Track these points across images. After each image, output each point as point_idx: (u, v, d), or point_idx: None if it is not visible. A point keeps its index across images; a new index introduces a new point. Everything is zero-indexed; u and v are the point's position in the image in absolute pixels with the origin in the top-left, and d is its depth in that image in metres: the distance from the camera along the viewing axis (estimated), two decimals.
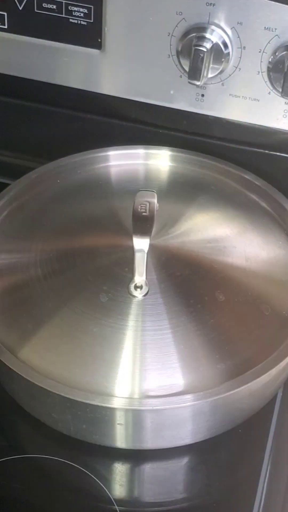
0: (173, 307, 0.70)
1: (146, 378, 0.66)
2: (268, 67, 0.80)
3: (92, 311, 0.70)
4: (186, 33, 0.80)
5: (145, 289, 0.70)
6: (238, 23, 0.79)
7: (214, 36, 0.79)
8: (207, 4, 0.79)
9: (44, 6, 0.84)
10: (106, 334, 0.68)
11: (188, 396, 0.65)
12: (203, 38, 0.79)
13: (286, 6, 0.77)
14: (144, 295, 0.70)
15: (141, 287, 0.70)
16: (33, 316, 0.70)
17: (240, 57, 0.81)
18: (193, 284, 0.72)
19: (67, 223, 0.78)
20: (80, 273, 0.73)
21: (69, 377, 0.66)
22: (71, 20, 0.84)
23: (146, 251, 0.69)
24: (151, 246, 0.70)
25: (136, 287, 0.70)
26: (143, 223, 0.71)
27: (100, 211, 0.79)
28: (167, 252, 0.74)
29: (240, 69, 0.82)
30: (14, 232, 0.78)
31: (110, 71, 0.87)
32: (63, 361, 0.67)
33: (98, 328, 0.68)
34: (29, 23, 0.86)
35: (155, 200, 0.73)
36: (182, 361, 0.67)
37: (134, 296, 0.70)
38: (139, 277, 0.70)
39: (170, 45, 0.82)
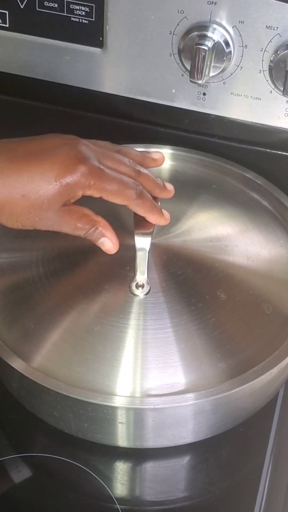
0: (175, 306, 0.70)
1: (147, 376, 0.66)
2: (269, 66, 0.80)
3: (93, 310, 0.70)
4: (187, 32, 0.80)
5: (146, 288, 0.70)
6: (239, 21, 0.79)
7: (215, 34, 0.79)
8: (209, 2, 0.79)
9: (45, 4, 0.84)
10: (107, 333, 0.68)
11: (190, 395, 0.65)
12: (204, 37, 0.79)
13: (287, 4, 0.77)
14: (146, 294, 0.70)
15: (142, 286, 0.70)
16: (35, 315, 0.70)
17: (242, 56, 0.81)
18: (194, 283, 0.72)
19: None
20: (82, 272, 0.73)
21: (70, 375, 0.66)
22: (72, 18, 0.84)
23: (147, 249, 0.69)
24: (153, 245, 0.70)
25: (137, 286, 0.70)
26: (144, 222, 0.71)
27: (102, 210, 0.79)
28: (168, 251, 0.74)
29: (241, 67, 0.82)
30: (16, 231, 0.78)
31: (111, 70, 0.87)
32: (65, 359, 0.67)
33: (99, 327, 0.68)
34: (30, 22, 0.86)
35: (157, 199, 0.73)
36: (183, 360, 0.67)
37: (135, 295, 0.70)
38: (141, 276, 0.70)
39: (172, 43, 0.82)
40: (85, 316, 0.69)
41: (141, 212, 0.70)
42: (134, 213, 0.71)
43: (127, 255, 0.72)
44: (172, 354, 0.67)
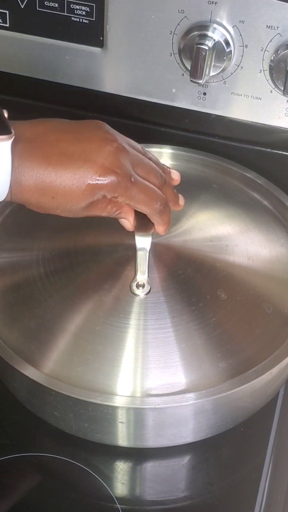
0: (175, 306, 0.70)
1: (148, 376, 0.66)
2: (270, 66, 0.80)
3: (94, 310, 0.70)
4: (188, 31, 0.80)
5: (147, 288, 0.70)
6: (240, 21, 0.79)
7: (216, 34, 0.79)
8: (209, 2, 0.79)
9: (46, 4, 0.84)
10: (108, 333, 0.68)
11: (190, 395, 0.65)
12: (205, 37, 0.79)
13: None
14: (146, 294, 0.70)
15: (143, 286, 0.70)
16: (35, 315, 0.70)
17: (242, 56, 0.81)
18: (194, 283, 0.72)
19: (69, 221, 0.78)
20: (82, 272, 0.73)
21: (70, 375, 0.66)
22: (73, 18, 0.84)
23: (148, 249, 0.70)
24: (153, 244, 0.71)
25: (138, 285, 0.70)
26: (145, 222, 0.71)
27: None
28: (169, 251, 0.74)
29: (242, 67, 0.82)
30: (16, 231, 0.78)
31: (112, 70, 0.87)
32: (65, 359, 0.67)
33: (100, 327, 0.68)
34: (31, 22, 0.86)
35: None
36: (183, 359, 0.67)
37: (136, 295, 0.70)
38: (141, 276, 0.70)
39: (172, 43, 0.82)
40: (86, 316, 0.69)
41: (155, 221, 0.71)
42: (135, 212, 0.71)
43: (127, 254, 0.72)
44: (172, 354, 0.67)
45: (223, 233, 0.77)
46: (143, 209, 0.69)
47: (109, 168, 0.65)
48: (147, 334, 0.68)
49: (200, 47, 0.78)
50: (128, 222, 0.70)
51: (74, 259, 0.74)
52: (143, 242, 0.70)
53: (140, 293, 0.70)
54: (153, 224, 0.71)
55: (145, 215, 0.71)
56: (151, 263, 0.71)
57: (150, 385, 0.66)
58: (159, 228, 0.71)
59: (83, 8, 0.83)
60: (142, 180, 0.68)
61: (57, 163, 0.63)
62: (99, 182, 0.64)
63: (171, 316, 0.69)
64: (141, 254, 0.70)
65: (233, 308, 0.70)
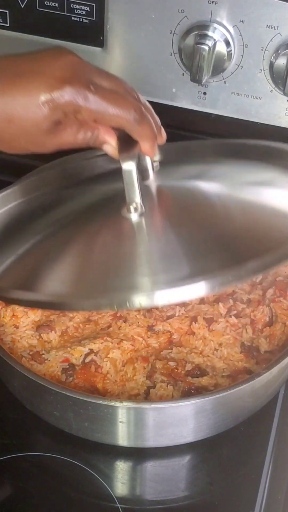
0: (174, 220, 0.66)
1: (157, 272, 0.62)
2: (270, 65, 0.80)
3: (87, 238, 0.66)
4: (188, 31, 0.80)
5: (140, 209, 0.64)
6: (240, 21, 0.79)
7: (216, 34, 0.79)
8: (209, 2, 0.79)
9: (46, 4, 0.84)
10: (108, 250, 0.64)
11: (191, 396, 0.64)
12: (205, 36, 0.79)
13: None
14: (140, 215, 0.64)
15: (135, 208, 0.64)
16: (43, 262, 0.66)
17: (242, 55, 0.81)
18: (194, 203, 0.68)
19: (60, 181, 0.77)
20: (72, 212, 0.70)
21: (74, 290, 0.62)
22: (73, 18, 0.84)
23: (134, 169, 0.63)
24: (150, 188, 0.68)
25: (130, 208, 0.64)
26: (129, 142, 0.64)
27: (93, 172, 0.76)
28: (166, 189, 0.70)
29: (242, 67, 0.82)
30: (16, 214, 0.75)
31: (112, 69, 0.87)
32: (67, 279, 0.63)
33: (98, 248, 0.65)
34: (31, 21, 0.86)
35: None
36: (191, 259, 0.62)
37: (130, 218, 0.65)
38: (132, 196, 0.64)
39: (172, 43, 0.82)
40: (79, 244, 0.66)
41: (136, 135, 0.64)
42: (119, 132, 0.65)
43: (118, 191, 0.66)
44: (178, 255, 0.62)
45: (231, 181, 0.73)
46: (115, 120, 0.62)
47: (61, 78, 0.60)
48: (149, 246, 0.65)
49: (200, 47, 0.78)
50: (110, 145, 0.64)
51: (63, 205, 0.71)
52: (128, 164, 0.63)
53: (133, 215, 0.64)
54: (137, 142, 0.64)
55: (128, 137, 0.64)
56: (147, 196, 0.67)
57: (160, 279, 0.61)
58: (144, 145, 0.64)
59: (83, 7, 0.83)
60: (106, 88, 0.62)
61: (9, 84, 0.60)
62: (53, 95, 0.60)
63: (172, 227, 0.65)
64: (127, 175, 0.63)
65: (238, 217, 0.66)
